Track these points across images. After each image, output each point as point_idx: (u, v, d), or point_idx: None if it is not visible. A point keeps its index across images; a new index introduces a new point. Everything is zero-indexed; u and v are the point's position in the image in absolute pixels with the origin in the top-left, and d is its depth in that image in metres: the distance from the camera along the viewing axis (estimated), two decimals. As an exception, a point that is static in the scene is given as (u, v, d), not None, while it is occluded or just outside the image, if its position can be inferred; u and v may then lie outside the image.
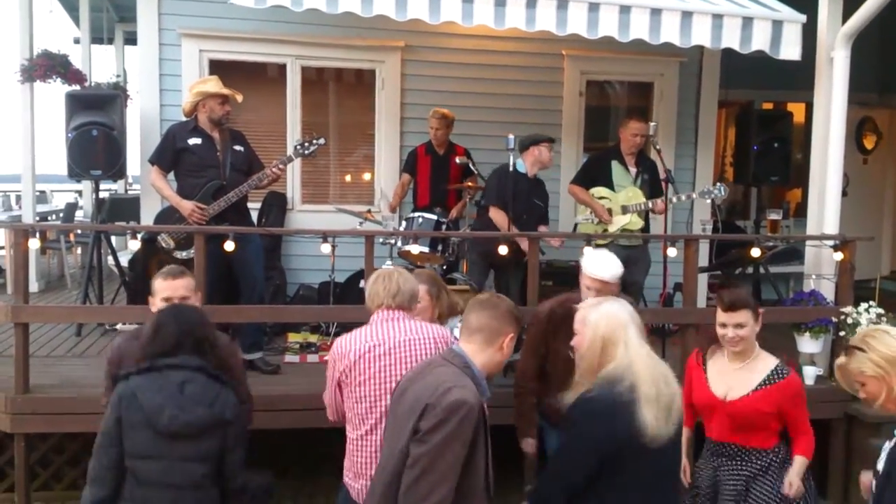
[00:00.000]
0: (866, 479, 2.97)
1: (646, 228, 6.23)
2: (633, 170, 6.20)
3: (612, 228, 6.05)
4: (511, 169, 5.68)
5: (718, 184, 6.10)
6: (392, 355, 3.15)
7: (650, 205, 6.03)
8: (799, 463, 3.52)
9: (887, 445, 2.70)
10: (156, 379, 2.90)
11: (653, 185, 6.20)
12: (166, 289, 3.45)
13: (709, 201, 6.35)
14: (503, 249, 5.34)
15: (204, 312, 3.29)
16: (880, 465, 2.68)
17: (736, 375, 3.52)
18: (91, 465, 2.87)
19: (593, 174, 6.28)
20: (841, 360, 2.79)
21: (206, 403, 2.92)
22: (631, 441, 2.60)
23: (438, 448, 2.46)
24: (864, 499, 3.04)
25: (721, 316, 3.51)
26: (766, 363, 3.53)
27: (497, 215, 5.85)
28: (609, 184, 6.17)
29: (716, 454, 3.59)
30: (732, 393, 3.49)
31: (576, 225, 6.42)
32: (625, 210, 6.07)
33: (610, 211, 6.10)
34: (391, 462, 2.58)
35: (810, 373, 5.35)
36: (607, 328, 2.76)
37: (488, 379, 2.80)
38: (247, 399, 3.45)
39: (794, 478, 3.49)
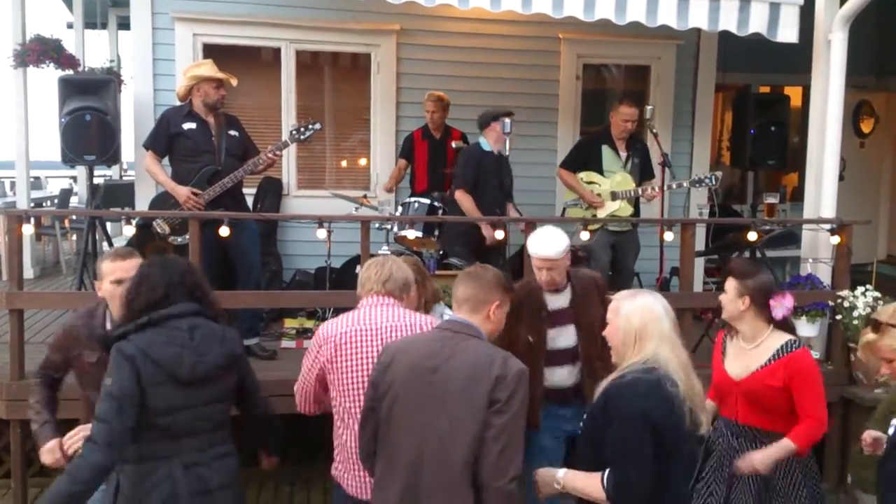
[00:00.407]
0: (868, 436, 2.99)
1: (636, 213, 6.21)
2: (624, 154, 6.16)
3: (602, 214, 6.02)
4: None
5: (711, 173, 6.07)
6: (378, 339, 3.09)
7: (640, 191, 6.01)
8: (781, 447, 3.30)
9: None
10: (160, 332, 2.83)
11: (643, 170, 6.18)
12: (116, 270, 3.22)
13: (700, 189, 6.33)
14: (500, 234, 5.34)
15: (190, 262, 3.25)
16: (891, 430, 2.71)
17: (749, 355, 3.45)
18: (101, 430, 2.73)
19: (583, 158, 6.25)
20: (870, 336, 2.73)
21: (217, 342, 2.92)
22: (674, 424, 2.62)
23: (516, 415, 2.58)
24: (864, 450, 3.05)
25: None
26: (777, 341, 3.41)
27: (464, 199, 5.78)
28: (599, 168, 6.13)
29: (735, 434, 3.47)
30: (746, 372, 3.42)
31: (564, 208, 6.40)
32: (614, 196, 6.03)
33: (599, 196, 6.07)
34: (461, 445, 2.57)
35: (807, 356, 5.34)
36: (641, 321, 2.75)
37: None
38: None
39: (758, 458, 3.29)
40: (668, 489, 2.64)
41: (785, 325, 3.46)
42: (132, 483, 2.83)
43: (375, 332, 3.12)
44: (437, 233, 6.01)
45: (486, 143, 5.88)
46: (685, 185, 6.10)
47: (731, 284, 3.46)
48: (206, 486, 2.86)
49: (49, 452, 3.23)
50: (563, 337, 3.86)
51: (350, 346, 3.11)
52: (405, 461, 2.68)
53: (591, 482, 2.73)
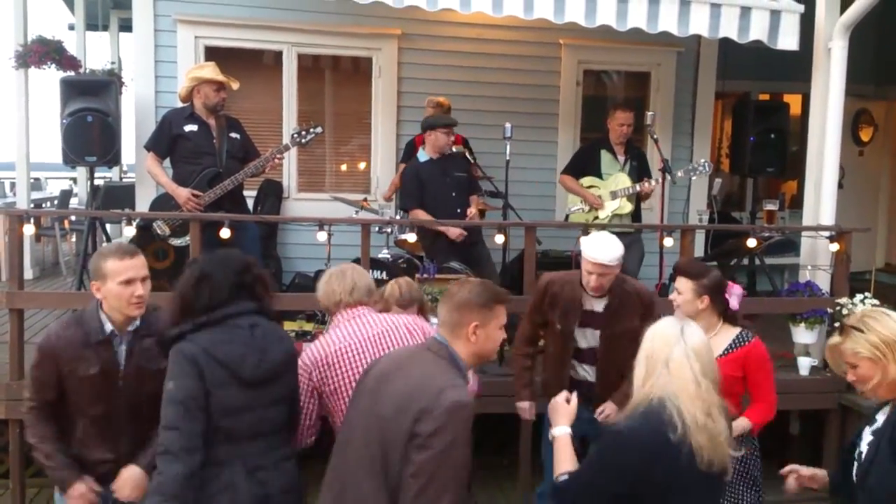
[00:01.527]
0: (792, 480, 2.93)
1: (636, 213, 6.25)
2: (622, 158, 6.23)
3: (603, 214, 6.08)
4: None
5: (703, 160, 6.10)
6: (369, 350, 3.06)
7: (637, 188, 6.04)
8: (740, 425, 3.46)
9: (868, 430, 2.64)
10: (221, 331, 2.73)
11: (641, 173, 6.23)
12: (127, 269, 3.01)
13: (694, 178, 6.37)
14: (500, 238, 5.38)
15: (249, 257, 3.01)
16: (864, 446, 2.61)
17: None
18: (173, 438, 2.61)
19: (583, 164, 6.32)
20: (835, 339, 2.66)
21: (278, 340, 2.84)
22: (674, 477, 2.42)
23: (443, 453, 2.35)
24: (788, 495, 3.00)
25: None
26: (729, 332, 3.61)
27: (418, 215, 5.81)
28: (598, 173, 6.21)
29: None
30: None
31: (567, 215, 6.42)
32: (613, 196, 6.09)
33: (599, 198, 6.12)
34: (370, 469, 2.44)
35: (805, 363, 5.36)
36: (650, 348, 2.54)
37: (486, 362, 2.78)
38: None
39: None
40: None
41: (733, 317, 3.64)
42: (196, 489, 2.68)
43: (363, 342, 3.08)
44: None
45: (423, 153, 5.97)
46: (680, 174, 6.10)
47: (686, 285, 3.56)
48: (267, 492, 2.73)
49: (81, 499, 3.04)
50: (589, 338, 3.95)
51: (341, 365, 3.05)
52: (337, 462, 2.63)
53: (559, 464, 2.70)
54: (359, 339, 3.10)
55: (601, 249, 3.73)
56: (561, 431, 2.79)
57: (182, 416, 2.62)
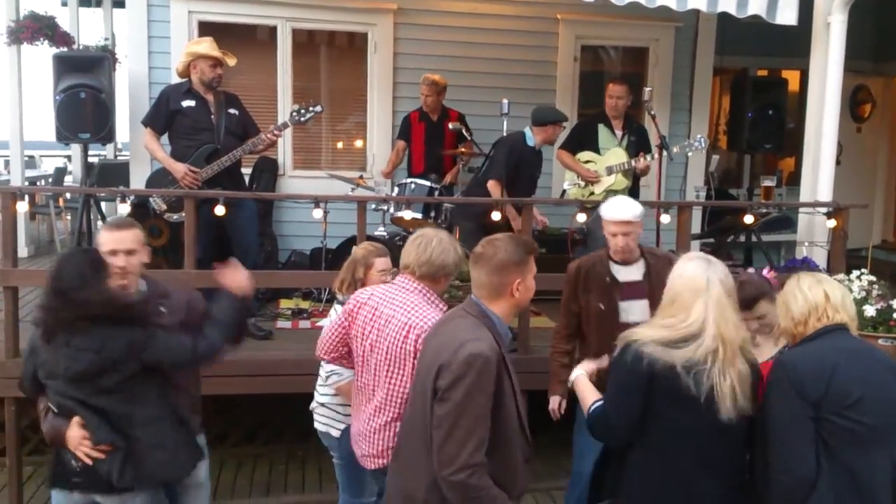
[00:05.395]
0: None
1: (634, 188, 6.21)
2: (619, 132, 6.19)
3: (599, 189, 6.04)
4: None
5: (699, 136, 6.06)
6: (379, 320, 3.09)
7: (633, 163, 6.01)
8: None
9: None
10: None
11: (640, 148, 6.18)
12: (112, 241, 3.11)
13: (690, 154, 6.37)
14: (496, 216, 5.31)
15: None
16: None
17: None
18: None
19: (581, 139, 6.28)
20: None
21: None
22: (683, 401, 2.54)
23: (460, 405, 2.45)
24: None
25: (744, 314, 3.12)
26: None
27: (495, 190, 5.65)
28: (595, 147, 6.16)
29: None
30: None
31: (563, 191, 6.40)
32: (609, 171, 6.06)
33: (596, 173, 6.10)
34: (420, 426, 2.59)
35: (801, 339, 5.36)
36: (682, 287, 2.67)
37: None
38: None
39: None
40: (671, 474, 2.62)
41: None
42: None
43: (377, 312, 3.12)
44: (433, 214, 5.99)
45: (532, 138, 5.78)
46: (676, 150, 6.06)
47: (766, 306, 3.21)
48: None
49: None
50: (635, 310, 3.80)
51: (360, 314, 3.16)
52: (401, 428, 2.84)
53: (586, 397, 2.90)
54: (381, 308, 3.11)
55: (621, 207, 3.82)
56: (576, 374, 3.00)
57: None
